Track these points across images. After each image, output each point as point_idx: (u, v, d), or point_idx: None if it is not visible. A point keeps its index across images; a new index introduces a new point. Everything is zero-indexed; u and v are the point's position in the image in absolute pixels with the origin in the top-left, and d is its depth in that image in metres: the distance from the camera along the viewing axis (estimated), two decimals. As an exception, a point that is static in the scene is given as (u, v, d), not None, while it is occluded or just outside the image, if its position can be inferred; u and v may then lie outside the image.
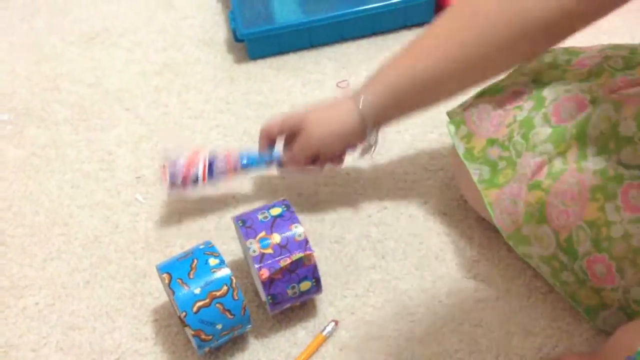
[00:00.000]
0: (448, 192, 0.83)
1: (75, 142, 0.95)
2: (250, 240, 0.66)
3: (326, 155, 0.76)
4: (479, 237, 0.78)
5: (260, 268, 0.65)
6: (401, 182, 0.85)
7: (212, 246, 0.68)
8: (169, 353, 0.70)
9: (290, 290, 0.66)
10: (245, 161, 0.79)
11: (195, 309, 0.63)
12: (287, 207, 0.69)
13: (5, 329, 0.74)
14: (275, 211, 0.68)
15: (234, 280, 0.65)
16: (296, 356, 0.68)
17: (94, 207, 0.86)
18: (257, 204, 0.78)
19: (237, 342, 0.70)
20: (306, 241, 0.66)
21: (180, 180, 0.78)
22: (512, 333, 0.69)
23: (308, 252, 0.66)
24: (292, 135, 0.76)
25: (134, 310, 0.74)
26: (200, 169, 0.78)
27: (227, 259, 0.77)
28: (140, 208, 0.85)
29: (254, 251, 0.65)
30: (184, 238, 0.81)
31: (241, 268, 0.77)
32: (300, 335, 0.71)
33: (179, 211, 0.84)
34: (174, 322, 0.73)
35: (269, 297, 0.66)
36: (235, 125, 0.95)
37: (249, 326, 0.68)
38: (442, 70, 0.67)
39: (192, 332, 0.63)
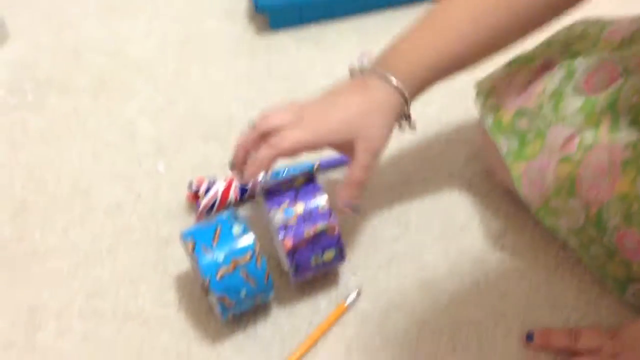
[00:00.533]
0: (474, 164, 0.82)
1: (95, 111, 0.94)
2: (274, 209, 0.65)
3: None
4: (505, 209, 0.77)
5: (284, 238, 0.64)
6: (426, 154, 0.84)
7: (236, 214, 0.67)
8: (192, 319, 0.70)
9: (313, 260, 0.66)
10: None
11: (219, 275, 0.63)
12: (312, 177, 0.68)
13: (27, 295, 0.74)
14: (300, 181, 0.68)
15: (258, 248, 0.64)
16: (318, 324, 0.68)
17: (115, 177, 0.85)
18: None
19: (260, 309, 0.70)
20: (330, 212, 0.65)
21: (215, 210, 0.78)
22: (538, 305, 0.68)
23: (332, 223, 0.65)
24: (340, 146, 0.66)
25: (157, 277, 0.74)
26: (232, 197, 0.79)
27: (251, 226, 0.77)
28: (161, 178, 0.85)
29: (278, 221, 0.65)
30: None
31: (264, 236, 0.76)
32: (322, 303, 0.70)
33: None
34: (196, 289, 0.73)
35: (292, 267, 0.66)
36: (256, 98, 0.94)
37: (272, 294, 0.67)
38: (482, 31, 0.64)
39: (216, 299, 0.63)
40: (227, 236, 0.65)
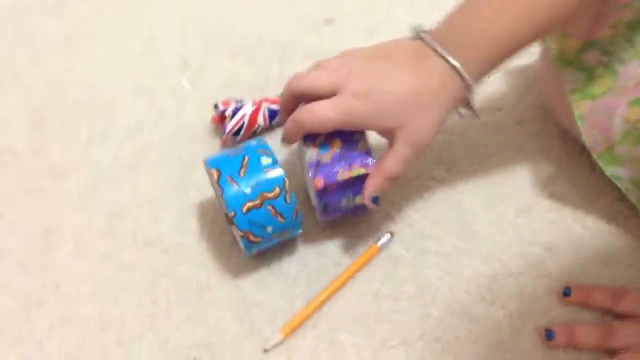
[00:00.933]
0: (527, 98, 0.75)
1: (118, 18, 0.88)
2: (308, 143, 0.60)
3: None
4: (558, 152, 0.70)
5: (314, 177, 0.59)
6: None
7: (265, 144, 0.62)
8: (214, 250, 0.67)
9: (344, 202, 0.61)
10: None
11: (245, 209, 0.59)
12: None
13: (44, 213, 0.71)
14: None
15: (287, 182, 0.59)
16: (347, 265, 0.64)
17: (137, 90, 0.80)
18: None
19: (286, 245, 0.66)
20: (368, 152, 0.59)
21: (242, 134, 0.73)
22: (586, 260, 0.63)
23: (370, 167, 0.59)
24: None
25: (178, 202, 0.70)
26: (261, 121, 0.73)
27: (280, 157, 0.71)
28: (186, 95, 0.79)
29: (310, 157, 0.59)
30: (233, 130, 0.75)
31: (293, 168, 0.71)
32: (352, 244, 0.66)
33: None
34: (219, 218, 0.69)
35: (321, 206, 0.61)
36: (288, 10, 0.86)
37: (300, 231, 0.63)
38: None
39: (241, 233, 0.59)
40: (255, 167, 0.60)
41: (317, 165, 0.59)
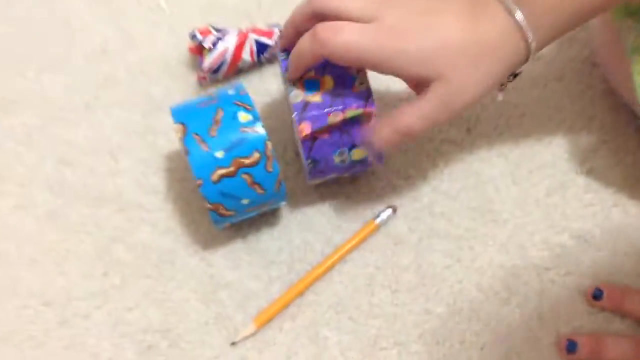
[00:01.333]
0: (571, 49, 0.61)
1: None
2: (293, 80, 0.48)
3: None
4: (603, 119, 0.58)
5: (300, 121, 0.47)
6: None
7: (245, 94, 0.50)
8: (181, 214, 0.56)
9: (337, 157, 0.49)
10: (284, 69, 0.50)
11: (215, 177, 0.47)
12: None
13: (-15, 153, 0.59)
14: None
15: (270, 146, 0.48)
16: (338, 244, 0.54)
17: (103, 9, 0.66)
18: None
19: (266, 215, 0.55)
20: (368, 92, 0.48)
21: (223, 71, 0.60)
22: (625, 255, 0.53)
23: (369, 109, 0.47)
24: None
25: (143, 152, 0.59)
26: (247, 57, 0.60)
27: (264, 100, 0.59)
28: (162, 17, 0.66)
29: (296, 97, 0.47)
30: (213, 65, 0.62)
31: (280, 116, 0.59)
32: (347, 217, 0.55)
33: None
34: (191, 177, 0.57)
35: (309, 162, 0.49)
36: None
37: (283, 203, 0.52)
38: None
39: (209, 206, 0.48)
40: (231, 125, 0.48)
41: (305, 107, 0.47)
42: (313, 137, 0.48)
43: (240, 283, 0.53)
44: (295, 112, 0.47)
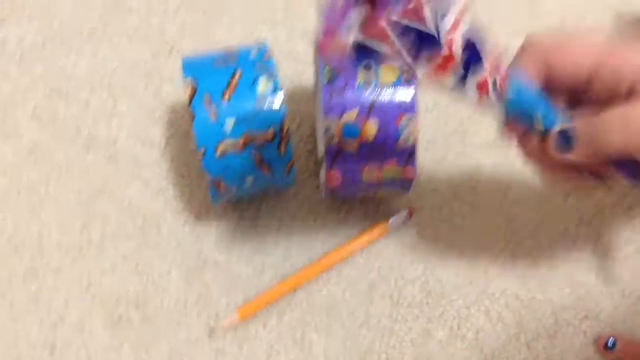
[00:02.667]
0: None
1: None
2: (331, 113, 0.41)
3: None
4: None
5: (331, 168, 0.41)
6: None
7: (269, 59, 0.43)
8: (177, 174, 0.50)
9: (366, 174, 0.43)
10: (512, 95, 0.35)
11: (220, 149, 0.41)
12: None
13: (-29, 66, 0.53)
14: (389, 76, 0.41)
15: (287, 125, 0.42)
16: (343, 240, 0.48)
17: None
18: None
19: (269, 193, 0.50)
20: (413, 150, 0.41)
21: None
22: (652, 312, 0.48)
23: (409, 172, 0.41)
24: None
25: (145, 96, 0.53)
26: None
27: (288, 63, 0.53)
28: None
29: (332, 138, 0.40)
30: (240, 9, 0.55)
31: (302, 85, 0.53)
32: (357, 212, 0.50)
33: (242, -34, 0.57)
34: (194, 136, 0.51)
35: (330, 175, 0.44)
36: None
37: (290, 186, 0.46)
38: None
39: (210, 178, 0.42)
40: (248, 92, 0.42)
41: (338, 153, 0.40)
42: (339, 149, 0.41)
43: (229, 265, 0.48)
44: (328, 159, 0.41)
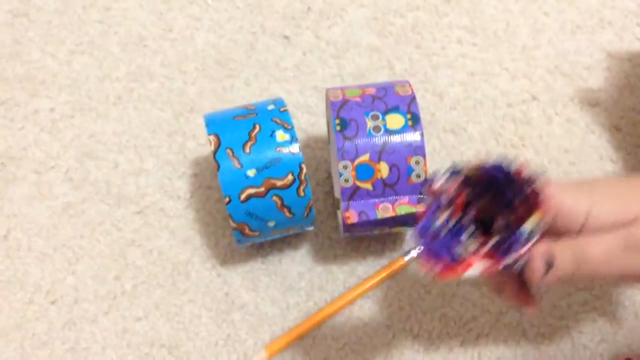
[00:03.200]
0: (630, 97, 0.58)
1: None
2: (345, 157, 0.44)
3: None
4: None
5: (347, 208, 0.44)
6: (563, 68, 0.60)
7: (286, 111, 0.47)
8: (202, 224, 0.53)
9: (378, 230, 0.47)
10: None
11: (243, 196, 0.45)
12: (414, 116, 0.45)
13: (8, 134, 0.57)
14: (396, 123, 0.45)
15: (304, 170, 0.45)
16: (362, 277, 0.51)
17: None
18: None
19: (290, 236, 0.53)
20: (421, 145, 0.44)
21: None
22: (666, 331, 0.49)
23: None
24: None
25: (170, 153, 0.56)
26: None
27: (302, 116, 0.57)
28: (204, 12, 0.63)
29: (347, 181, 0.44)
30: (254, 69, 0.59)
31: (317, 133, 0.57)
32: (375, 249, 0.52)
33: (254, 31, 0.61)
34: (217, 186, 0.55)
35: (346, 234, 0.47)
36: None
37: (312, 228, 0.49)
38: None
39: (234, 225, 0.45)
40: (267, 143, 0.45)
41: (354, 193, 0.44)
42: (354, 190, 0.45)
43: (256, 305, 0.50)
44: (344, 199, 0.44)
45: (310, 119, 0.57)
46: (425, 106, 0.57)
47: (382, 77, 0.59)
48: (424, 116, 0.57)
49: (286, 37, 0.61)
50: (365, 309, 0.50)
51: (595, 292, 0.50)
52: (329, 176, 0.55)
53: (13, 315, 0.50)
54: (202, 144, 0.57)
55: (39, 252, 0.52)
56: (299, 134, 0.57)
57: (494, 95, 0.58)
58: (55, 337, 0.50)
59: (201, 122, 0.58)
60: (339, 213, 0.47)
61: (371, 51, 0.60)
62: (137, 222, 0.54)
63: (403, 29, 0.61)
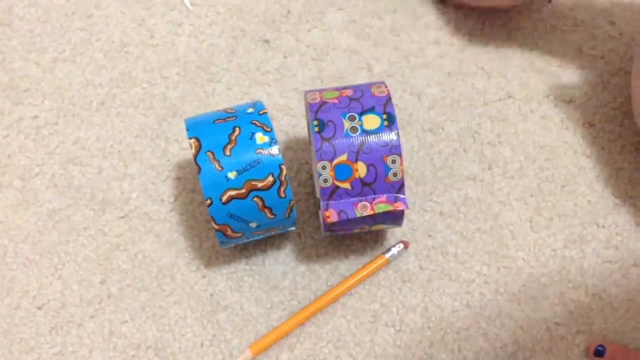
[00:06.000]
0: (602, 93, 0.59)
1: None
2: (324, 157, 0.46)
3: None
4: (631, 170, 0.56)
5: (327, 208, 0.45)
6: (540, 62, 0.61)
7: (265, 113, 0.48)
8: (186, 227, 0.54)
9: (358, 229, 0.48)
10: None
11: (225, 198, 0.45)
12: (390, 117, 0.46)
13: (-7, 143, 0.58)
14: (372, 124, 0.46)
15: (285, 171, 0.46)
16: (345, 275, 0.52)
17: (128, 1, 0.65)
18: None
19: (273, 237, 0.54)
20: (401, 185, 0.45)
21: None
22: (640, 320, 0.51)
23: (399, 206, 0.45)
24: None
25: (154, 158, 0.57)
26: None
27: (282, 117, 0.58)
28: (185, 17, 0.64)
29: (325, 181, 0.45)
30: (235, 73, 0.60)
31: (297, 135, 0.58)
32: (356, 248, 0.53)
33: (235, 35, 0.62)
34: (200, 189, 0.56)
35: (327, 233, 0.48)
36: None
37: (293, 228, 0.50)
38: None
39: (216, 227, 0.46)
40: (247, 145, 0.46)
41: (333, 192, 0.45)
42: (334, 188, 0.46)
43: (241, 306, 0.51)
44: (323, 199, 0.45)
45: (292, 121, 0.58)
46: (403, 106, 0.58)
47: (361, 79, 0.60)
48: (402, 116, 0.58)
49: (266, 41, 0.62)
50: (348, 307, 0.51)
51: (571, 285, 0.52)
52: (311, 177, 0.56)
53: (0, 320, 0.51)
54: (185, 148, 0.58)
55: (25, 258, 0.53)
56: (281, 136, 0.58)
57: (470, 94, 0.59)
58: (42, 341, 0.50)
59: (183, 126, 0.58)
60: (320, 213, 0.48)
61: (350, 53, 0.61)
62: (122, 226, 0.54)
63: (381, 30, 0.62)
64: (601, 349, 0.49)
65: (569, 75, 0.60)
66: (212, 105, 0.59)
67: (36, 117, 0.59)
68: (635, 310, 0.51)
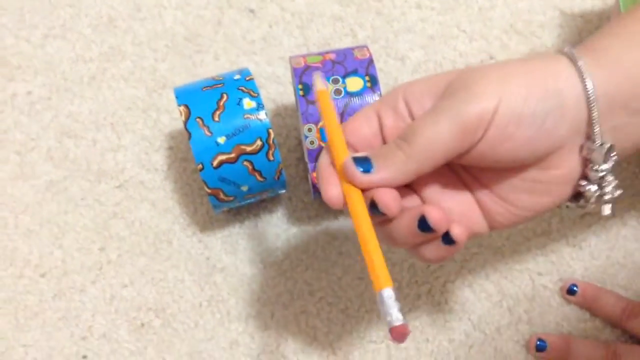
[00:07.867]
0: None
1: None
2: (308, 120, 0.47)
3: None
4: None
5: (315, 170, 0.47)
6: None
7: (251, 79, 0.49)
8: (181, 193, 0.56)
9: None
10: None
11: (215, 162, 0.47)
12: (372, 78, 0.48)
13: (-12, 119, 0.59)
14: (356, 85, 0.47)
15: (272, 135, 0.48)
16: (337, 235, 0.54)
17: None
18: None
19: (265, 200, 0.55)
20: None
21: None
22: (619, 264, 0.53)
23: None
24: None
25: (146, 128, 0.59)
26: None
27: (270, 84, 0.59)
28: (171, -10, 0.65)
29: (312, 143, 0.47)
30: (222, 44, 0.62)
31: (285, 102, 0.59)
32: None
33: (220, 6, 0.63)
34: (192, 157, 0.57)
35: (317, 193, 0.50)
36: None
37: (283, 191, 0.52)
38: None
39: (208, 191, 0.48)
40: (234, 111, 0.48)
41: (319, 154, 0.46)
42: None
43: (236, 267, 0.53)
44: (310, 161, 0.47)
45: (279, 89, 0.60)
46: (388, 71, 0.60)
47: (346, 45, 0.61)
48: (387, 80, 0.59)
49: (252, 11, 0.63)
50: (339, 264, 0.53)
51: (552, 236, 0.54)
52: (300, 143, 0.58)
53: (5, 289, 0.53)
54: (176, 118, 0.59)
55: (25, 228, 0.55)
56: (269, 104, 0.59)
57: (453, 57, 0.61)
58: (46, 307, 0.52)
59: (173, 97, 0.60)
60: (309, 176, 0.50)
61: (334, 20, 0.62)
62: (118, 195, 0.56)
63: (364, -3, 0.63)
64: (573, 288, 0.51)
65: (548, 34, 0.61)
66: (200, 76, 0.60)
67: (30, 92, 0.60)
68: (614, 259, 0.53)
